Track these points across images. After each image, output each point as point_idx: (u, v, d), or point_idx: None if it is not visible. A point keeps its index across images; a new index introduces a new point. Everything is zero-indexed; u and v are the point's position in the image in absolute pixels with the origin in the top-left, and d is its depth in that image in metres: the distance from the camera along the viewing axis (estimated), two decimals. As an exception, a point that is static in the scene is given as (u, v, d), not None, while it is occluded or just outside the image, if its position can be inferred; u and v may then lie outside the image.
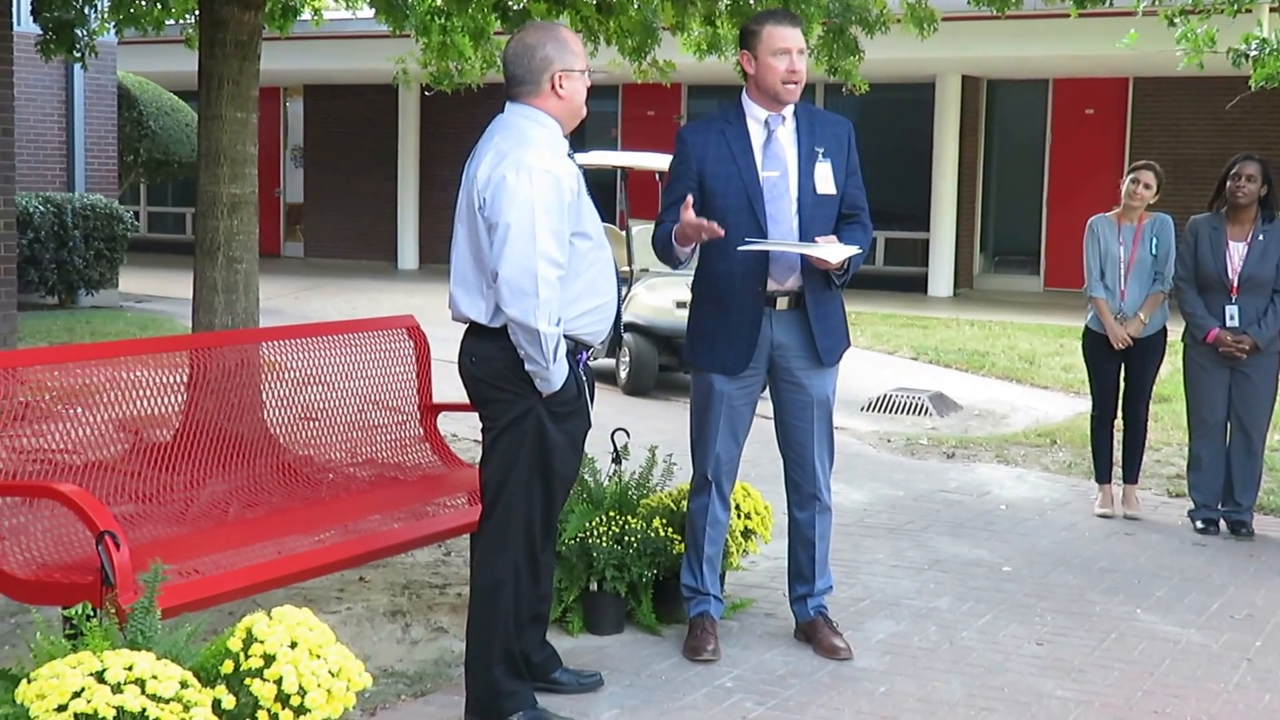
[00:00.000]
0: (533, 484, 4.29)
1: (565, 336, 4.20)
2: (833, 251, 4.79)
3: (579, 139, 20.82)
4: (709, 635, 5.04)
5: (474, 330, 4.30)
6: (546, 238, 4.09)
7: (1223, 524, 7.12)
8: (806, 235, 4.89)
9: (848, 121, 5.17)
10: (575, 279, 4.24)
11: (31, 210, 14.46)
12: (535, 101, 4.28)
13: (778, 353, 5.02)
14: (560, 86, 4.27)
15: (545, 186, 4.11)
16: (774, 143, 4.97)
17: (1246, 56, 8.87)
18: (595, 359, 10.04)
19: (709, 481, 5.09)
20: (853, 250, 4.84)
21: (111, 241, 15.51)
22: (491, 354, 4.23)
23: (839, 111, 5.46)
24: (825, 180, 4.98)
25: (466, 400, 4.50)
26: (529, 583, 4.39)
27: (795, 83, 4.92)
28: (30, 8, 8.86)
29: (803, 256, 4.88)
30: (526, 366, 4.16)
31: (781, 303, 4.98)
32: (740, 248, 4.81)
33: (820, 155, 4.98)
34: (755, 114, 5.00)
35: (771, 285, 4.95)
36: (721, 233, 4.74)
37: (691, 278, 5.25)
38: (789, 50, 4.91)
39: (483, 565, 4.36)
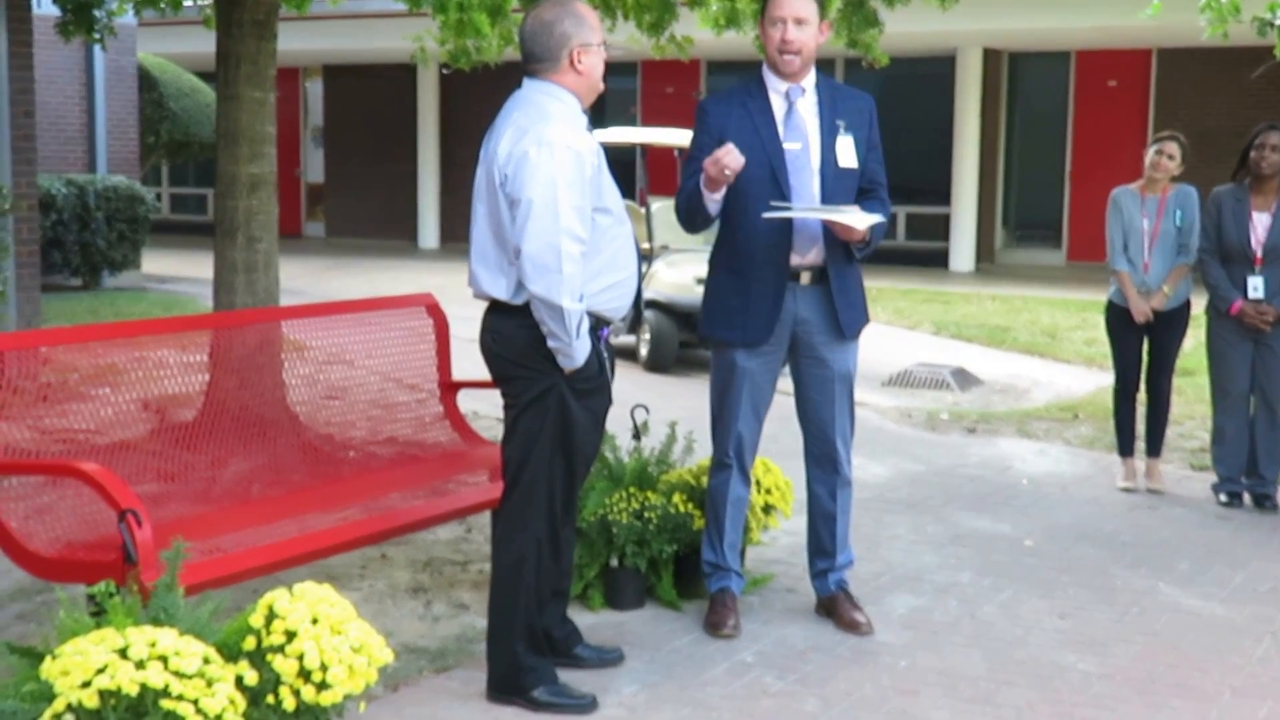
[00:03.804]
0: (555, 461, 4.30)
1: (587, 312, 4.21)
2: (859, 218, 4.78)
3: (598, 116, 20.79)
4: (729, 611, 5.05)
5: (496, 308, 4.30)
6: (569, 213, 4.09)
7: (1246, 497, 7.09)
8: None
9: (870, 97, 5.13)
10: (597, 254, 4.24)
11: (54, 192, 14.52)
12: (554, 77, 4.27)
13: (800, 328, 5.00)
14: (579, 62, 4.26)
15: (567, 161, 4.11)
16: (795, 115, 4.95)
17: (1271, 25, 8.79)
18: (617, 336, 9.93)
19: (730, 458, 5.08)
20: (876, 218, 4.82)
21: (134, 223, 15.55)
22: (514, 331, 4.24)
23: (859, 86, 5.41)
24: (847, 154, 4.95)
25: (486, 377, 4.51)
26: (550, 559, 4.40)
27: (789, 53, 4.88)
28: (50, -10, 8.89)
29: (825, 228, 4.86)
30: (549, 343, 4.16)
31: (805, 277, 4.96)
32: (765, 214, 4.79)
33: (842, 129, 4.95)
34: (775, 86, 4.98)
35: (795, 259, 4.94)
36: (741, 159, 4.67)
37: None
38: (784, 19, 4.87)
39: (505, 541, 4.37)
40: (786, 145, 4.92)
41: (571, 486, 4.42)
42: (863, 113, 5.03)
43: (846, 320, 5.00)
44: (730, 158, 4.66)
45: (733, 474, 5.10)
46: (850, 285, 5.03)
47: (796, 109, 4.96)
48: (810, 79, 4.99)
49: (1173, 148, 7.21)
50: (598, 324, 4.31)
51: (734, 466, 5.09)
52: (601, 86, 4.37)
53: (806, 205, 4.87)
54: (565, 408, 4.26)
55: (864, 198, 5.00)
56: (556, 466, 4.31)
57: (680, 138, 11.76)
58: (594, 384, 4.31)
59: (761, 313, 4.95)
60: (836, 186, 4.93)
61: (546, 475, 4.30)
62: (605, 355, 4.37)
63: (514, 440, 4.33)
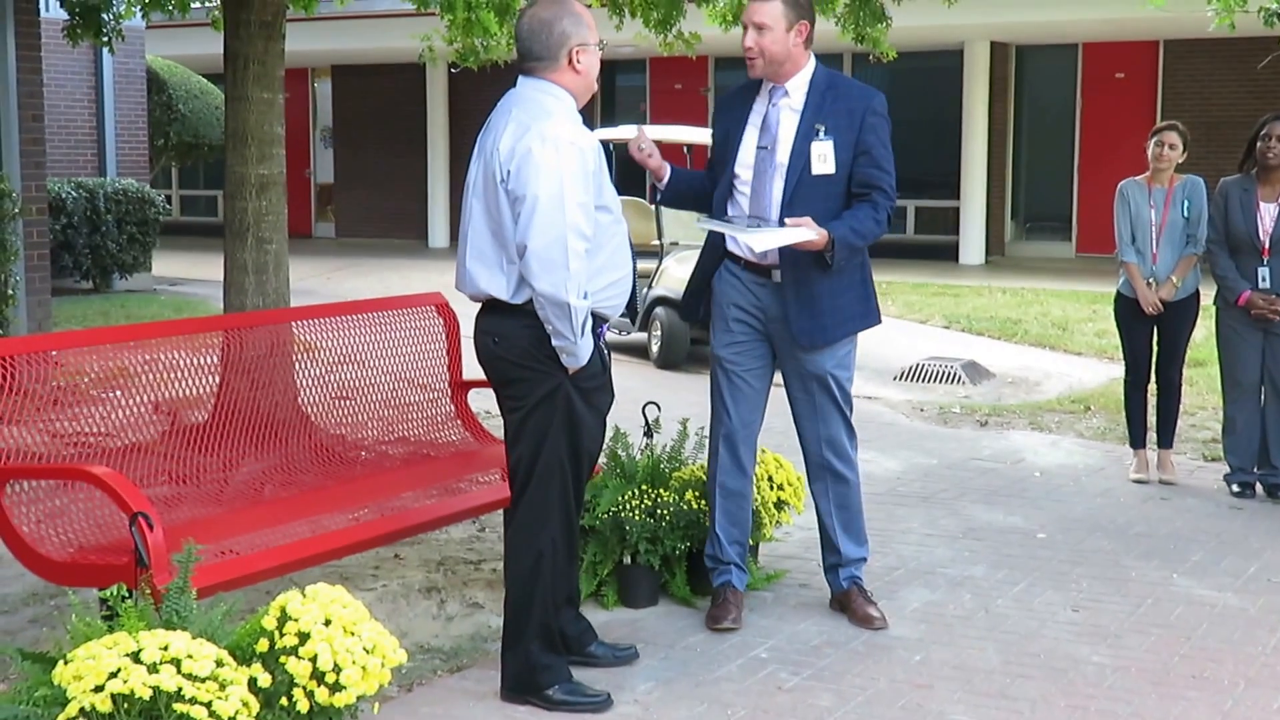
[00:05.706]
0: (565, 460, 4.30)
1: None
2: (757, 240, 4.77)
3: (608, 112, 20.77)
4: (729, 605, 5.03)
5: (494, 309, 4.27)
6: (575, 209, 4.08)
7: (1259, 487, 7.08)
8: (791, 213, 4.80)
9: (873, 94, 4.95)
10: (598, 252, 4.22)
11: (64, 196, 14.54)
12: (551, 76, 4.26)
13: (772, 325, 5.01)
14: (577, 61, 4.26)
15: (572, 157, 4.10)
16: (772, 116, 4.93)
17: (1278, 16, 8.77)
18: (625, 334, 9.92)
19: (718, 448, 5.09)
20: (771, 242, 4.75)
21: (144, 225, 15.57)
22: (516, 332, 4.21)
23: (867, 80, 5.37)
24: (822, 159, 4.84)
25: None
26: (565, 557, 4.40)
27: (748, 57, 4.90)
28: (57, -7, 8.91)
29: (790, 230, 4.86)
30: (554, 341, 4.15)
31: (776, 275, 4.95)
32: (698, 223, 4.98)
33: (820, 133, 4.84)
34: (766, 85, 4.98)
35: (751, 255, 4.96)
36: (662, 172, 4.99)
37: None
38: (744, 24, 4.91)
39: (522, 541, 4.35)
40: (758, 147, 4.93)
41: (579, 485, 4.42)
42: (853, 114, 4.87)
43: (799, 328, 4.92)
44: (632, 143, 4.89)
45: (719, 463, 5.09)
46: (816, 293, 4.89)
47: (775, 110, 4.93)
48: (801, 79, 4.92)
49: (1173, 137, 7.20)
50: (596, 322, 4.30)
51: (720, 455, 5.08)
52: (596, 87, 4.37)
53: (734, 218, 4.95)
54: (572, 407, 4.25)
55: (856, 201, 4.89)
56: (567, 465, 4.31)
57: (688, 134, 11.76)
58: (598, 382, 4.31)
59: (693, 289, 5.17)
60: (804, 192, 4.85)
61: (560, 474, 4.30)
62: (605, 353, 4.37)
63: (522, 442, 4.31)
